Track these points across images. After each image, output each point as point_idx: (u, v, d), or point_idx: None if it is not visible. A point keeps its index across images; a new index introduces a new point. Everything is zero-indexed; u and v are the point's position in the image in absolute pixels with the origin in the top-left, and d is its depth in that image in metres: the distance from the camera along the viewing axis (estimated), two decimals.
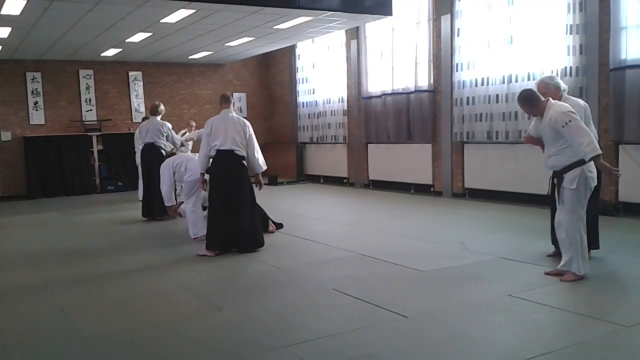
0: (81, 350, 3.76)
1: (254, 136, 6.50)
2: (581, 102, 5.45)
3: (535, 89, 5.18)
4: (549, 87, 5.19)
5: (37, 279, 5.66)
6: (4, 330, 4.21)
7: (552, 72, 8.48)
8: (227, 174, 6.33)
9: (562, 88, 5.27)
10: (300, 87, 14.95)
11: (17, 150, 13.22)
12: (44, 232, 8.37)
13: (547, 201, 5.58)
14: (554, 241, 5.52)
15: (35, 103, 13.44)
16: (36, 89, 13.42)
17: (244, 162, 6.43)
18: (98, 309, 4.68)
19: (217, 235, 6.30)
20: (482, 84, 9.63)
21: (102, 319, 4.39)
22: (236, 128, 6.35)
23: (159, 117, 9.10)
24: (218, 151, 6.32)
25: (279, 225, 7.76)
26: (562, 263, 4.88)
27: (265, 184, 13.78)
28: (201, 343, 3.80)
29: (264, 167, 6.66)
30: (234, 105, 6.64)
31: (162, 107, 9.28)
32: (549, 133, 4.69)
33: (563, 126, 4.53)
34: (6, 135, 13.20)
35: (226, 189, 6.30)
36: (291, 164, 14.93)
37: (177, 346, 3.75)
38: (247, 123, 6.46)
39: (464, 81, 9.99)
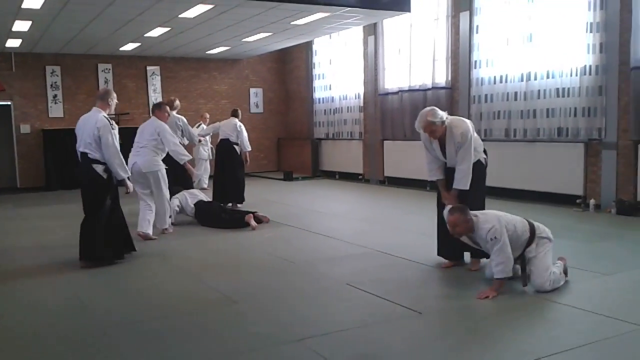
0: (95, 337, 3.80)
1: (110, 139, 5.71)
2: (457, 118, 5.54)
3: (419, 127, 5.20)
4: (435, 125, 5.16)
5: (54, 266, 5.74)
6: (17, 315, 4.28)
7: (570, 71, 8.42)
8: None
9: (444, 119, 5.23)
10: (317, 83, 14.95)
11: (35, 143, 13.40)
12: (62, 222, 8.45)
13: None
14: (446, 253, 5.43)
15: (55, 96, 13.59)
16: (55, 82, 13.57)
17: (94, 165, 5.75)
18: (113, 298, 4.74)
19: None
20: (501, 82, 9.56)
21: (116, 308, 4.43)
22: (87, 130, 5.74)
23: (175, 112, 9.01)
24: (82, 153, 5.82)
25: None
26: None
27: (280, 180, 14.11)
28: (215, 335, 3.82)
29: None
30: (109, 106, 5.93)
31: (176, 102, 9.22)
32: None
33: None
34: (25, 128, 13.38)
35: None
36: (307, 159, 14.94)
37: (191, 337, 3.77)
38: (99, 125, 5.67)
39: (482, 78, 9.91)
